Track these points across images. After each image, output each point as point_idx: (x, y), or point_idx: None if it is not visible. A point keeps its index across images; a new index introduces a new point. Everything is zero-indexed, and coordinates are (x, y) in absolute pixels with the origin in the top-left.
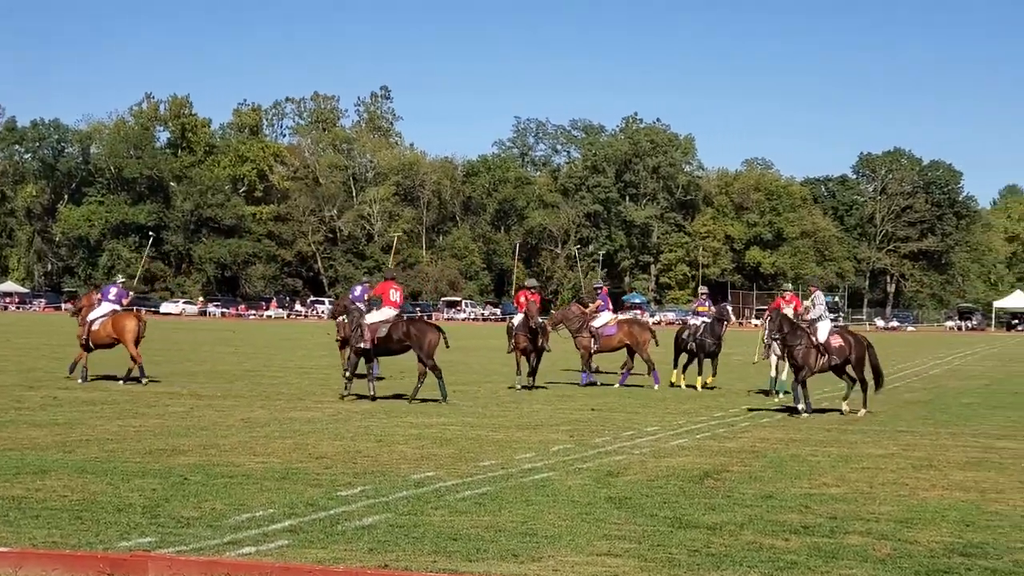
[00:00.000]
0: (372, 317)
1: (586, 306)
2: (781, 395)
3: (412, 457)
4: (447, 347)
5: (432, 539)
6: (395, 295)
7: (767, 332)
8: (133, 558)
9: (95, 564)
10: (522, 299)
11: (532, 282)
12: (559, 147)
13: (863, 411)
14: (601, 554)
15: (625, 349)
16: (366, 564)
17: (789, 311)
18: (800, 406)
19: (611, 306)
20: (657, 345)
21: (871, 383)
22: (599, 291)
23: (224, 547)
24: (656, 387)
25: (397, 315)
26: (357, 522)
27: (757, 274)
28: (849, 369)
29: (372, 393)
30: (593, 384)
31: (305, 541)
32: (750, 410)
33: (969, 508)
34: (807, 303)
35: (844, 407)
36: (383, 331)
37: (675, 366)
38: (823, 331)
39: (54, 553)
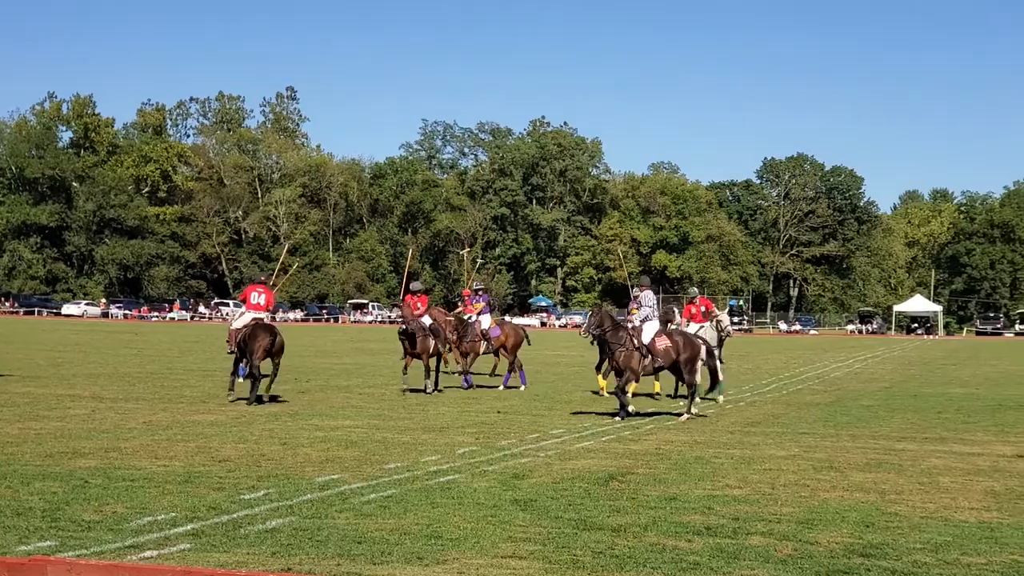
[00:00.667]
0: (237, 322)
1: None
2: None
3: (317, 460)
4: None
5: (336, 542)
6: (257, 298)
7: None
8: (32, 562)
9: None
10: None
11: (417, 285)
12: (466, 150)
13: (686, 416)
14: (506, 556)
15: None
16: (269, 568)
17: (687, 325)
18: (620, 414)
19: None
20: (529, 344)
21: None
22: (480, 293)
23: (125, 551)
24: (523, 388)
25: (257, 319)
26: (260, 525)
27: (663, 277)
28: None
29: (250, 396)
30: (471, 387)
31: (207, 545)
32: (648, 414)
33: (869, 509)
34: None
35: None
36: (244, 335)
37: (599, 371)
38: (648, 332)
39: None
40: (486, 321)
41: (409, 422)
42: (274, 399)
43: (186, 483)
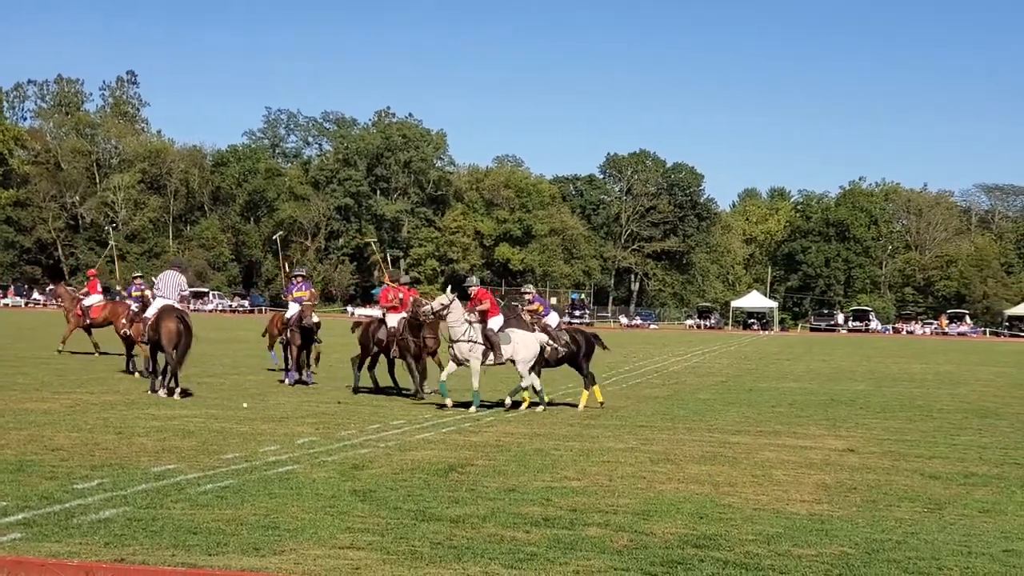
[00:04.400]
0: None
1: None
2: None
3: (153, 449)
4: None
5: (171, 533)
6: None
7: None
8: None
9: None
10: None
11: (405, 278)
12: (311, 139)
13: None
14: (344, 547)
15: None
16: (102, 558)
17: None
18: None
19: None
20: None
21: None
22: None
23: None
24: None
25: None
26: (93, 515)
27: (506, 270)
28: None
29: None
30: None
31: (39, 535)
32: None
33: (703, 501)
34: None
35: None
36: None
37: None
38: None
39: None
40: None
41: (248, 412)
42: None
43: (18, 472)
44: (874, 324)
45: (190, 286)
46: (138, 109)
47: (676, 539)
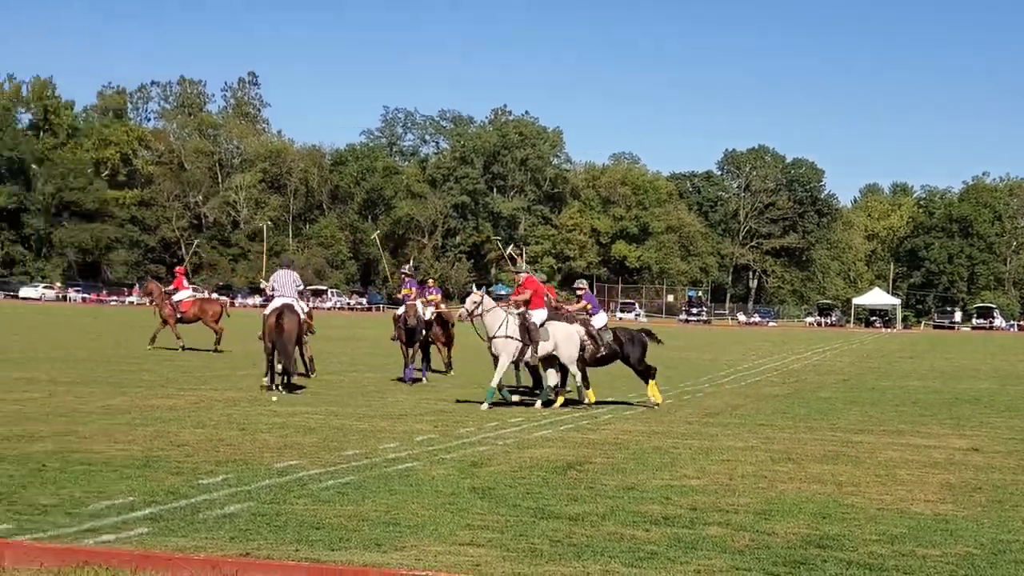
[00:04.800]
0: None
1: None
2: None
3: (275, 446)
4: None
5: (295, 528)
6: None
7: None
8: None
9: None
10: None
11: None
12: (427, 138)
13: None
14: (464, 544)
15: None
16: (227, 553)
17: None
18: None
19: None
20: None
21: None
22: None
23: (82, 534)
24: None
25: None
26: (219, 510)
27: (623, 268)
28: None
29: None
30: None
31: (166, 529)
32: (606, 403)
33: (826, 501)
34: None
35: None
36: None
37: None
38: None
39: None
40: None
41: (367, 409)
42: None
43: (144, 467)
44: (998, 321)
45: (306, 284)
46: (259, 110)
47: (798, 539)
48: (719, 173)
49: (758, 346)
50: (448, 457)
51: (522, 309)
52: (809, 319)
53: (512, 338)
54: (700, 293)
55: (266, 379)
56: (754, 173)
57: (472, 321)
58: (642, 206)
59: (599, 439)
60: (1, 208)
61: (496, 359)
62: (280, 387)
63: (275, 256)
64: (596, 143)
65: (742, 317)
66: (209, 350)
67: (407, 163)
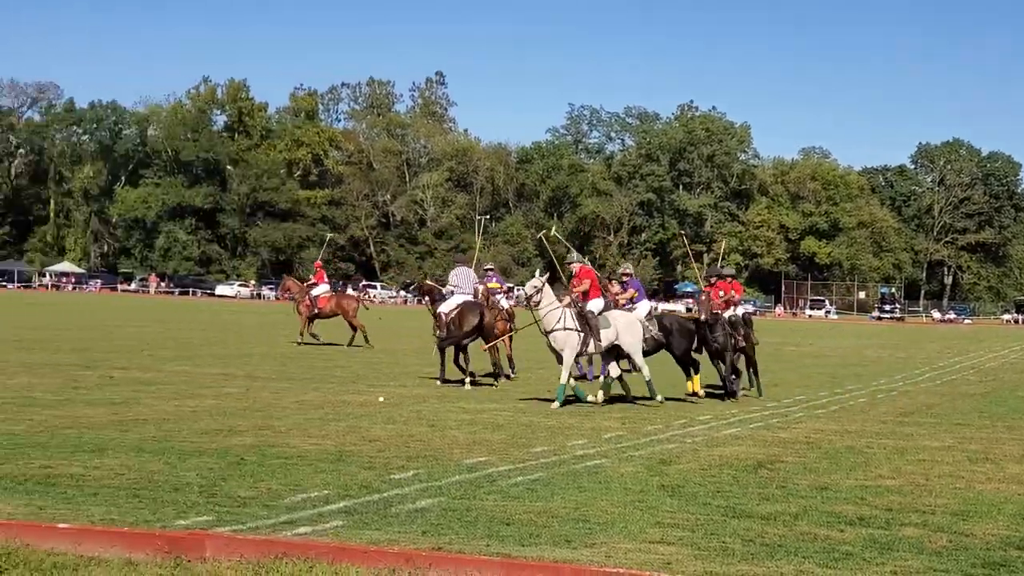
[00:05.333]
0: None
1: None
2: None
3: (464, 442)
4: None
5: (485, 523)
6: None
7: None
8: (191, 536)
9: (153, 542)
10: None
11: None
12: (613, 135)
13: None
14: (654, 541)
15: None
16: (420, 546)
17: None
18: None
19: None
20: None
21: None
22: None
23: (280, 527)
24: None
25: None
26: (410, 505)
27: (812, 264)
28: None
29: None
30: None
31: (360, 522)
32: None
33: None
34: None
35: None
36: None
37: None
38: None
39: (113, 530)
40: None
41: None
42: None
43: (338, 462)
44: None
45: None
46: (446, 109)
47: (997, 540)
48: (912, 167)
49: (953, 344)
50: (636, 454)
51: (579, 300)
52: (1006, 316)
53: (572, 330)
54: (893, 290)
55: (439, 380)
56: (948, 167)
57: (531, 309)
58: (832, 201)
59: (790, 438)
60: (198, 208)
61: (559, 355)
62: (468, 383)
63: (460, 253)
64: (784, 138)
65: (936, 314)
66: (342, 345)
67: (592, 160)
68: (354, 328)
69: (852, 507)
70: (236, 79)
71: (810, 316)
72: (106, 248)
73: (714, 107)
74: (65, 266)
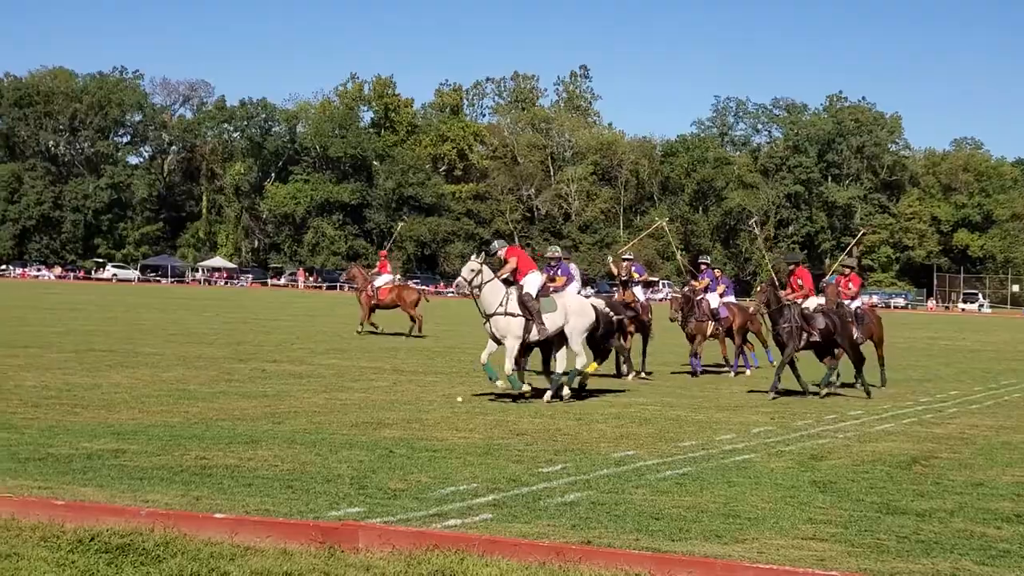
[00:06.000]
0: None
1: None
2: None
3: (612, 436)
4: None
5: (634, 517)
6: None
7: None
8: (344, 527)
9: (307, 532)
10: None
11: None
12: (760, 126)
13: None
14: (806, 538)
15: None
16: (569, 540)
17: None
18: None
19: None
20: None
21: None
22: (705, 268)
23: (430, 519)
24: (749, 371)
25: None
26: (559, 498)
27: (965, 257)
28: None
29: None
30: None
31: (508, 515)
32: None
33: None
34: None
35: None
36: None
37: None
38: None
39: (268, 520)
40: (714, 300)
41: (702, 400)
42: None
43: (486, 455)
44: None
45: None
46: (590, 103)
47: None
48: None
49: None
50: (787, 450)
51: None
52: None
53: (513, 315)
54: None
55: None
56: None
57: (472, 293)
58: (985, 193)
59: (944, 433)
60: (345, 204)
61: (496, 340)
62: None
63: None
64: (936, 128)
65: None
66: (403, 334)
67: (738, 153)
68: (413, 320)
69: (1009, 504)
70: (383, 76)
71: (963, 310)
72: (256, 243)
73: (863, 98)
74: (217, 261)
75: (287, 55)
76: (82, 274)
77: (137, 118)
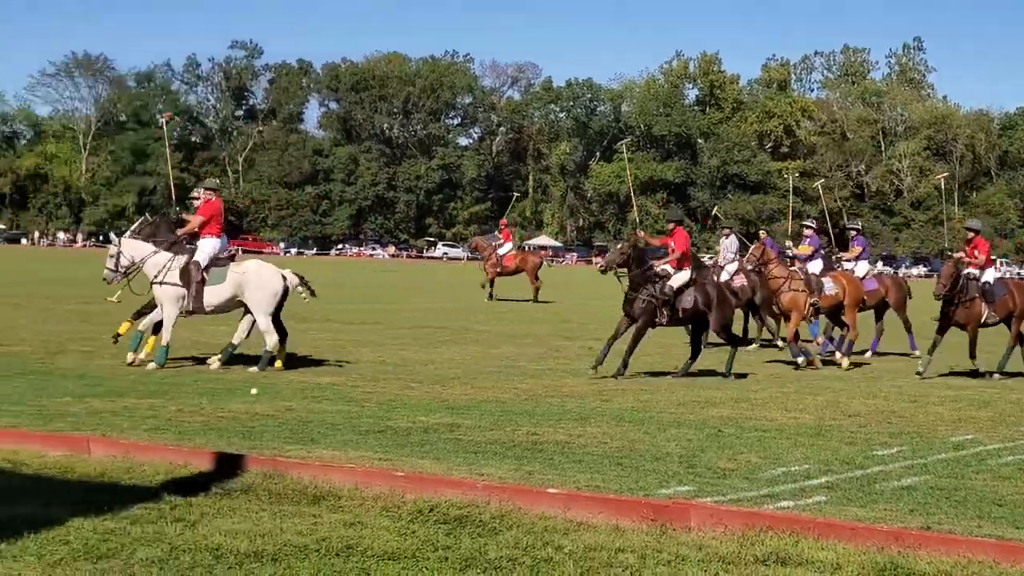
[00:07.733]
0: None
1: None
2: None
3: (949, 419)
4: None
5: (975, 503)
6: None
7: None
8: (675, 505)
9: (639, 509)
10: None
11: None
12: None
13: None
14: None
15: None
16: (907, 525)
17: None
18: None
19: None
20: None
21: None
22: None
23: (761, 499)
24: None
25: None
26: (895, 482)
27: None
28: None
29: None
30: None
31: (842, 498)
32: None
33: None
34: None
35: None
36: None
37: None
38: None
39: (599, 497)
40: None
41: None
42: None
43: (817, 436)
44: None
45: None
46: (924, 75)
47: None
48: None
49: None
50: None
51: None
52: None
53: (171, 284)
54: None
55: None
56: None
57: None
58: None
59: None
60: (669, 182)
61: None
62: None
63: (940, 225)
64: None
65: None
66: (527, 300)
67: None
68: (536, 286)
69: None
70: (708, 52)
71: None
72: (581, 222)
73: None
74: (542, 239)
75: (612, 35)
76: (414, 252)
77: (467, 100)
